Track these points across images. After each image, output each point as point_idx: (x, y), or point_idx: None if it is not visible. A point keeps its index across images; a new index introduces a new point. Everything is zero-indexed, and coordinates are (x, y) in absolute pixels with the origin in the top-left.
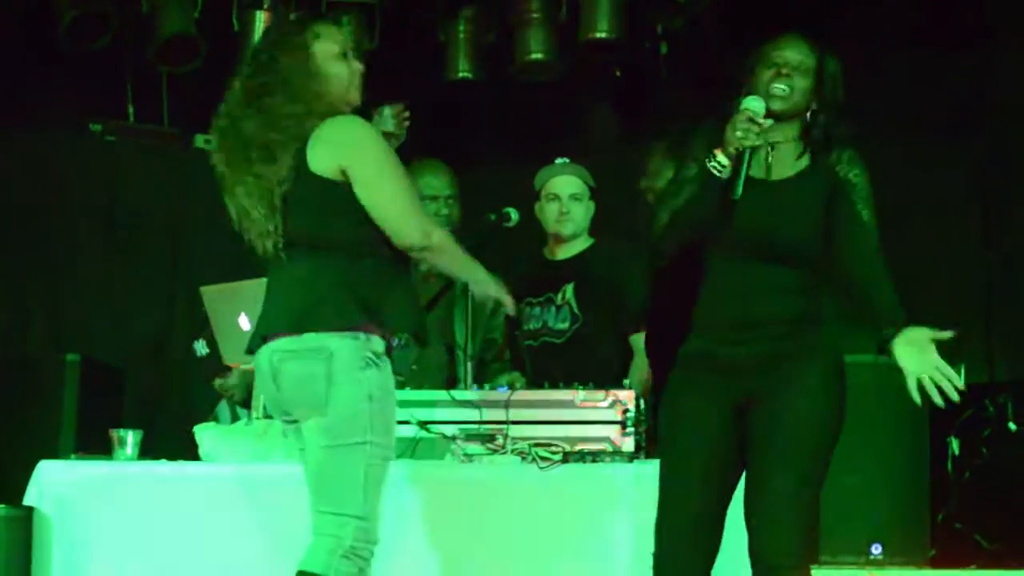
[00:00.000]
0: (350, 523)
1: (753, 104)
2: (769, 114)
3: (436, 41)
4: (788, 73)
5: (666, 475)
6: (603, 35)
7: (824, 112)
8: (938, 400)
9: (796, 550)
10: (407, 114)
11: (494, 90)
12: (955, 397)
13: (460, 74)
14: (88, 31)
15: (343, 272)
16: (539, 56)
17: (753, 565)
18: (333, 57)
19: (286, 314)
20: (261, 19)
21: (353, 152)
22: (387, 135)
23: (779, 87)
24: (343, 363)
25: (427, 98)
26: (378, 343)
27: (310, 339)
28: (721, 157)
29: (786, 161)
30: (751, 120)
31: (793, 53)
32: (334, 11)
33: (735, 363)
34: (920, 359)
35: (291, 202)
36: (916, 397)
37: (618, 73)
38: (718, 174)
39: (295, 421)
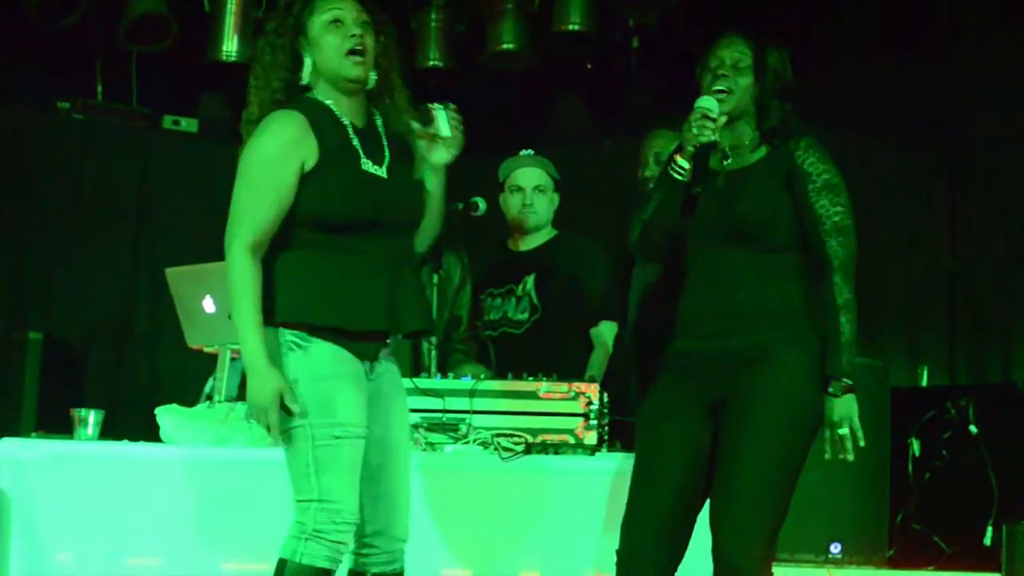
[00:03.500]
0: (310, 507)
1: (704, 103)
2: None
3: (407, 29)
4: (725, 73)
5: (638, 474)
6: (575, 27)
7: (772, 102)
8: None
9: (759, 553)
10: (460, 117)
11: (464, 79)
12: (850, 457)
13: (431, 62)
14: (57, 8)
15: (267, 266)
16: (510, 46)
17: (715, 563)
18: (324, 27)
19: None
20: (233, 1)
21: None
22: (439, 140)
23: (719, 87)
24: (273, 355)
25: None
26: (295, 330)
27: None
28: (681, 160)
29: (744, 155)
30: (705, 117)
31: (728, 52)
32: None
33: (714, 360)
34: (833, 411)
35: None
36: (828, 451)
37: (589, 66)
38: (680, 178)
39: None
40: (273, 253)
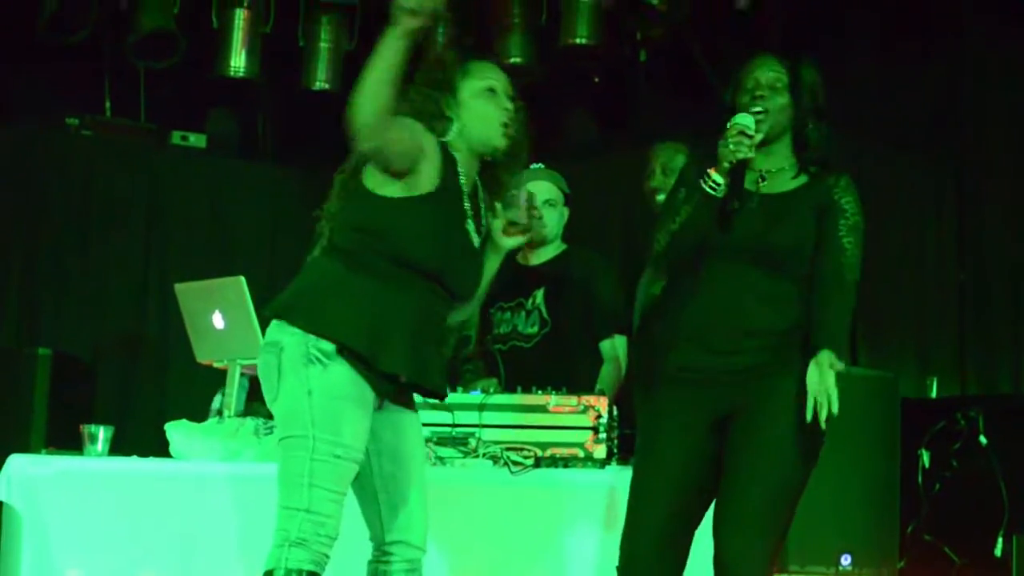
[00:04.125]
0: (297, 515)
1: (742, 119)
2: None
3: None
4: (762, 94)
5: (636, 489)
6: (583, 41)
7: (808, 122)
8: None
9: (762, 566)
10: (538, 211)
11: None
12: (822, 425)
13: None
14: (67, 25)
15: (330, 275)
16: (518, 60)
17: (717, 574)
18: (477, 94)
19: (276, 299)
20: (240, 17)
21: None
22: (509, 225)
23: (756, 109)
24: (289, 357)
25: None
26: (326, 344)
27: (273, 331)
28: (716, 176)
29: (782, 180)
30: (742, 133)
31: (764, 72)
32: (313, 11)
33: (723, 375)
34: (818, 380)
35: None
36: (808, 413)
37: (596, 79)
38: (713, 192)
39: None
40: (343, 269)
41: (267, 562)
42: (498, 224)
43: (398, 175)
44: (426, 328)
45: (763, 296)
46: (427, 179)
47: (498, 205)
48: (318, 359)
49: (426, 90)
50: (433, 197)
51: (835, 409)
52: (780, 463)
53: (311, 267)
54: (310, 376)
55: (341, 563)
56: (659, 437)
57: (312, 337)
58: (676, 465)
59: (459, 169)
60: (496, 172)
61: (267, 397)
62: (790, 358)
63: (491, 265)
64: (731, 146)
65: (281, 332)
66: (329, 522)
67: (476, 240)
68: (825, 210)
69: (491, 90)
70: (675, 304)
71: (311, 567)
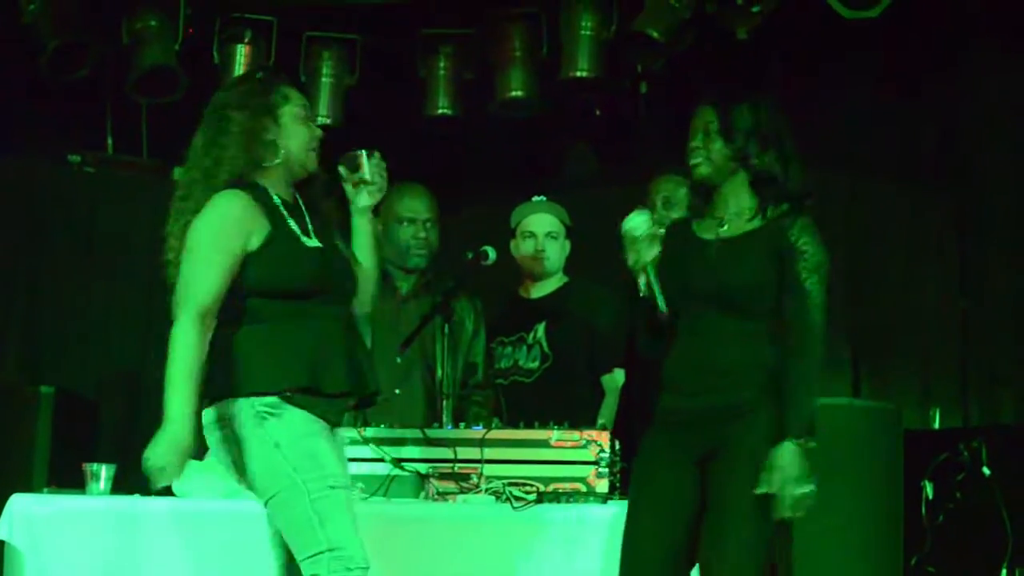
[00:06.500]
0: (323, 558)
1: (627, 225)
2: (703, 183)
3: (416, 77)
4: (697, 145)
5: (629, 531)
6: (583, 74)
7: (751, 156)
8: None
9: None
10: (384, 164)
11: (473, 127)
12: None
13: (439, 110)
14: (68, 61)
15: (228, 341)
16: (519, 93)
17: None
18: (296, 119)
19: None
20: (242, 52)
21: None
22: (363, 183)
23: (692, 159)
24: (241, 424)
25: (406, 134)
26: (269, 399)
27: (211, 412)
28: (640, 281)
29: (739, 223)
30: (633, 240)
31: (698, 120)
32: (315, 46)
33: (700, 416)
34: (777, 479)
35: None
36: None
37: (598, 112)
38: (643, 294)
39: None
40: (226, 328)
41: None
42: (349, 187)
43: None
44: (339, 340)
45: (729, 336)
46: (256, 237)
47: (341, 169)
48: (268, 413)
49: (253, 117)
50: (269, 240)
51: (789, 512)
52: (756, 496)
53: (213, 340)
54: (269, 431)
55: None
56: (647, 479)
57: (251, 399)
58: (664, 507)
59: (274, 199)
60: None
61: (232, 471)
62: (765, 395)
63: (360, 231)
64: (631, 258)
65: (219, 409)
66: (355, 553)
67: (316, 241)
68: (784, 254)
69: (306, 115)
70: (666, 354)
71: None
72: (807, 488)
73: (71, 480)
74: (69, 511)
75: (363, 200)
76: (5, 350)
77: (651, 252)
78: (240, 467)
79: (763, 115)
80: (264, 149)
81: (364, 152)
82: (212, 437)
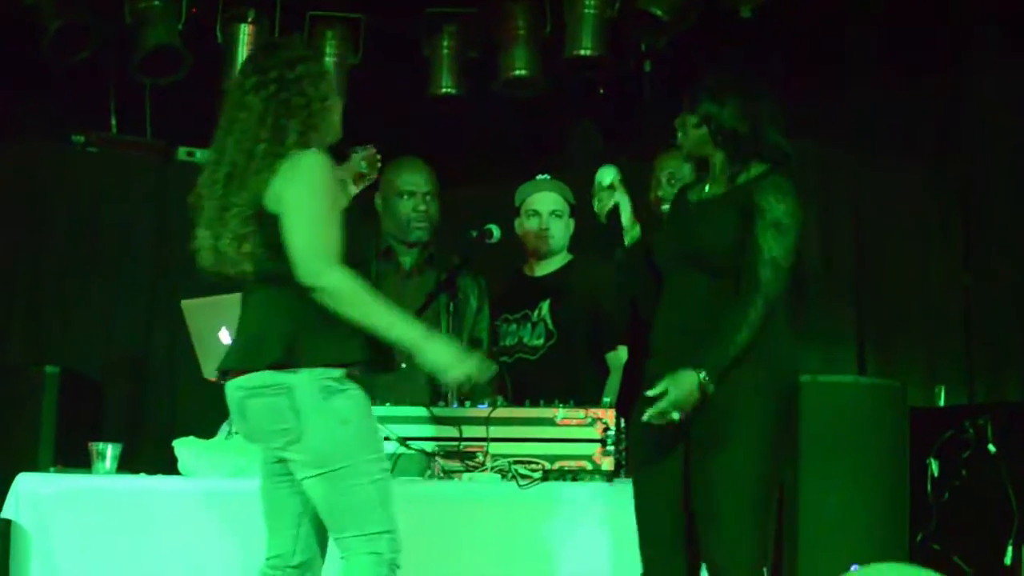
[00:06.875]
0: (383, 538)
1: (598, 176)
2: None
3: (420, 56)
4: (677, 130)
5: (637, 499)
6: (587, 52)
7: (728, 139)
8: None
9: (749, 561)
10: (378, 157)
11: (477, 106)
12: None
13: (444, 89)
14: (71, 42)
15: (288, 308)
16: (523, 72)
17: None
18: (331, 92)
19: (237, 351)
20: (245, 32)
21: (287, 184)
22: (358, 176)
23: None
24: (305, 396)
25: (410, 113)
26: (334, 371)
27: (264, 376)
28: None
29: (717, 186)
30: (600, 188)
31: (679, 122)
32: (318, 25)
33: None
34: (673, 398)
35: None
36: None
37: (601, 90)
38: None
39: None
40: (280, 290)
41: None
42: (347, 177)
43: None
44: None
45: (702, 297)
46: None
47: (360, 161)
48: (335, 388)
49: (320, 91)
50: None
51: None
52: (742, 460)
53: (265, 305)
54: (336, 407)
55: None
56: (642, 447)
57: (319, 370)
58: (662, 472)
59: None
60: None
61: (278, 439)
62: (747, 353)
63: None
64: (595, 203)
65: (273, 376)
66: (399, 538)
67: None
68: (749, 212)
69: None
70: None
71: None
72: (675, 416)
73: (77, 459)
74: (75, 490)
75: (352, 191)
76: (10, 331)
77: (610, 203)
78: (284, 436)
79: (734, 100)
80: (327, 122)
81: (357, 149)
82: (255, 402)
